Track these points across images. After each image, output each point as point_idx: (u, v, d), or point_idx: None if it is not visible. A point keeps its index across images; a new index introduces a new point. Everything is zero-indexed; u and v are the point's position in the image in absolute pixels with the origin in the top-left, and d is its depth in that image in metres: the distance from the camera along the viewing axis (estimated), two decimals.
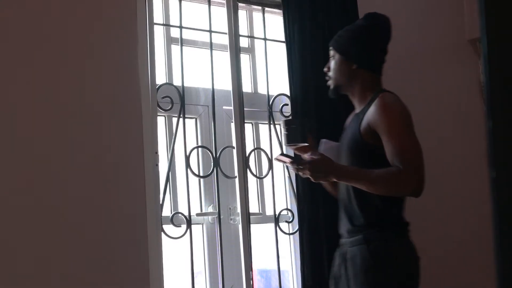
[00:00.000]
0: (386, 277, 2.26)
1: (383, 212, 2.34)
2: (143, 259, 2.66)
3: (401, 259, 2.31)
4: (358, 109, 2.50)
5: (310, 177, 2.35)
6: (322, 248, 2.90)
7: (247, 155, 3.04)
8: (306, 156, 2.43)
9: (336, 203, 2.56)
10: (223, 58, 3.12)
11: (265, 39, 3.26)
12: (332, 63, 2.52)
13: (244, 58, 3.26)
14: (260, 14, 3.29)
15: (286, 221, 3.19)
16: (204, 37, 3.12)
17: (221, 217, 2.96)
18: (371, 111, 2.34)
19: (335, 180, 2.35)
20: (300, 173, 2.42)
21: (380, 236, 2.31)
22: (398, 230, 2.35)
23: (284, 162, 2.46)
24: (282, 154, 2.43)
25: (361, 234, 2.32)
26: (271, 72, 3.24)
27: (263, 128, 3.25)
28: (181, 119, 2.92)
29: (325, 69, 2.56)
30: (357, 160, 2.34)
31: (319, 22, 3.13)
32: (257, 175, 3.16)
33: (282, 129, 2.48)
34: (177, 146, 2.91)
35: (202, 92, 3.09)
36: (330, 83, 2.54)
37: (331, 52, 2.53)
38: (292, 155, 2.62)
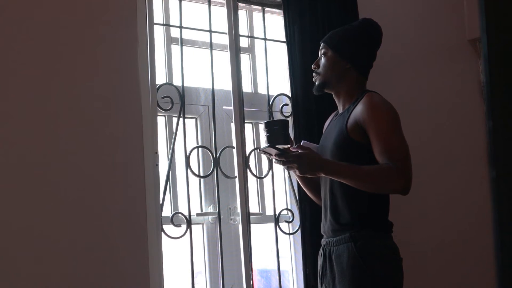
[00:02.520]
0: (372, 274, 2.27)
1: (369, 211, 2.34)
2: (143, 259, 2.66)
3: (387, 258, 2.32)
4: (341, 109, 2.50)
5: (296, 171, 2.33)
6: None
7: (247, 155, 3.05)
8: (293, 150, 2.39)
9: None
10: (223, 58, 3.12)
11: (265, 39, 3.26)
12: (323, 60, 2.51)
13: (244, 58, 3.26)
14: (260, 14, 3.29)
15: (286, 221, 3.19)
16: (204, 37, 3.12)
17: (221, 217, 2.96)
18: (359, 109, 2.34)
19: (322, 175, 2.33)
20: (284, 166, 2.39)
21: (366, 235, 2.31)
22: (383, 229, 2.36)
23: (270, 154, 2.40)
24: (268, 146, 2.37)
25: (348, 233, 2.32)
26: (271, 72, 3.24)
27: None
28: (181, 119, 2.92)
29: (313, 66, 2.54)
30: (344, 158, 2.34)
31: (319, 22, 3.13)
32: (257, 175, 3.16)
33: (263, 131, 2.42)
34: (177, 146, 2.91)
35: (202, 92, 3.09)
36: (317, 79, 2.52)
37: (323, 50, 2.52)
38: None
